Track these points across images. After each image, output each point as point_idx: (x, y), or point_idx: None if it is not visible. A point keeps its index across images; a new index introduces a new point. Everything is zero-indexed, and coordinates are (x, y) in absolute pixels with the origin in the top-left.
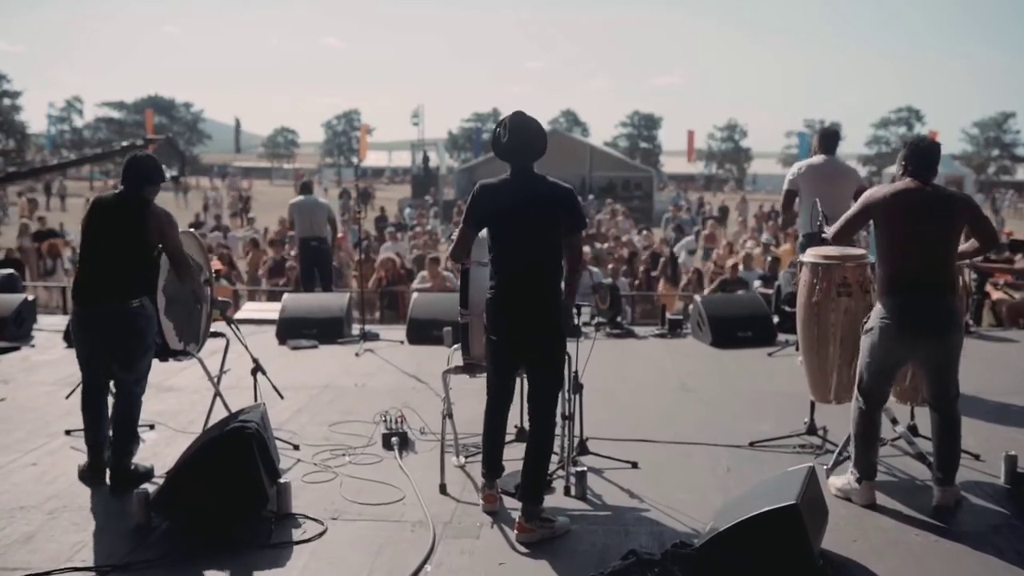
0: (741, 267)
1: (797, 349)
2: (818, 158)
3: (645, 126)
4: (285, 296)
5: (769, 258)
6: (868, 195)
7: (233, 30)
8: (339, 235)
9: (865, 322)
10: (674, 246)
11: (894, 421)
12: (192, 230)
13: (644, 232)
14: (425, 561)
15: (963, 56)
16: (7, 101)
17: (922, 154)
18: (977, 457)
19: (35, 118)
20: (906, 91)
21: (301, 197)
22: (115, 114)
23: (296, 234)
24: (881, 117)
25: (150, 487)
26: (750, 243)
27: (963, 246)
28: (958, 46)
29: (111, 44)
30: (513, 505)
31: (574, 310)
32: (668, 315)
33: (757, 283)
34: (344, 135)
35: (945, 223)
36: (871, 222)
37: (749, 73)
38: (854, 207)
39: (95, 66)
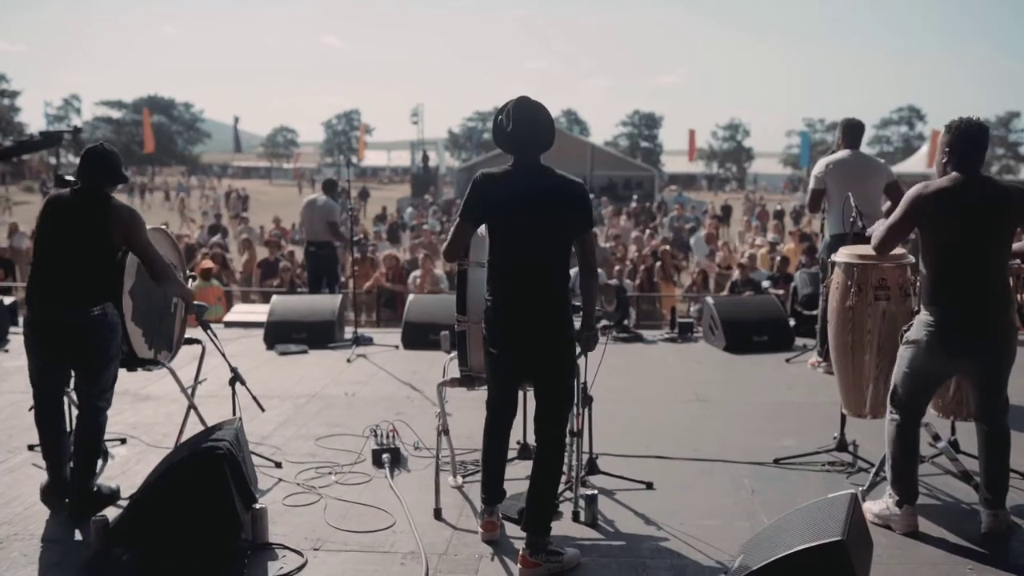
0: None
1: (823, 357)
2: (843, 153)
3: (646, 125)
4: (274, 298)
5: (777, 258)
6: (913, 194)
7: (231, 28)
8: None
9: (906, 330)
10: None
11: (936, 437)
12: (163, 227)
13: (648, 232)
14: None
15: (965, 55)
16: (6, 101)
17: (968, 138)
18: (1023, 476)
19: (35, 117)
20: (908, 90)
21: (313, 196)
22: (114, 113)
23: (303, 236)
24: (882, 117)
25: (112, 512)
26: (759, 240)
27: (1016, 244)
28: (960, 45)
29: (111, 43)
30: (515, 533)
31: (593, 320)
32: (678, 318)
33: (765, 283)
34: (344, 135)
35: (998, 222)
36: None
37: (751, 72)
38: (898, 210)
39: (95, 65)
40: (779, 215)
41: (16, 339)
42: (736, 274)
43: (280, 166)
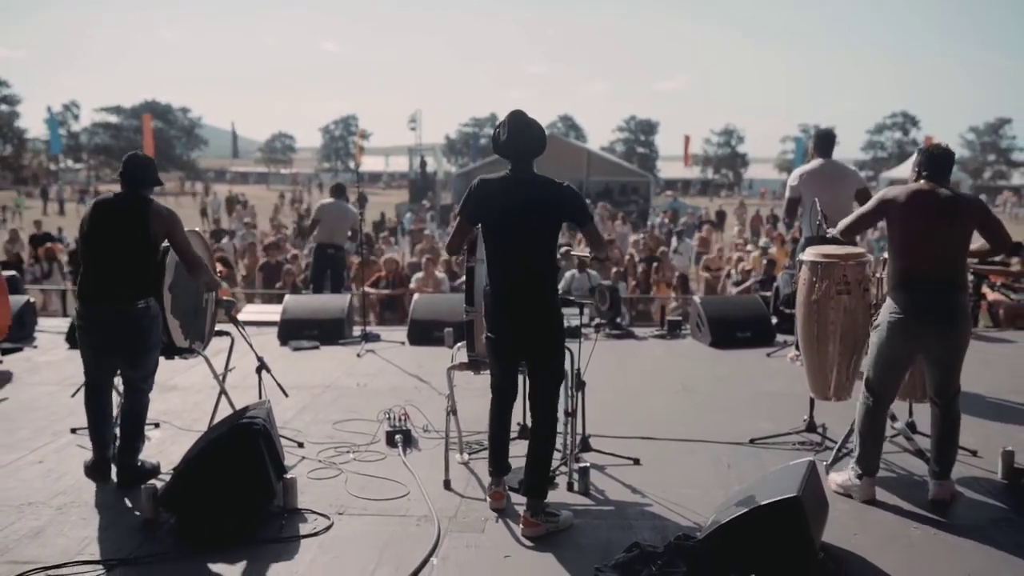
0: (749, 270)
1: (797, 348)
2: (816, 162)
3: (642, 131)
4: (286, 297)
5: (765, 261)
6: (883, 193)
7: (229, 34)
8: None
9: (874, 317)
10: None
11: (892, 417)
12: (196, 229)
13: (644, 236)
14: (431, 554)
15: (959, 61)
16: (5, 107)
17: (937, 160)
18: (975, 453)
19: (35, 123)
20: (903, 96)
21: (331, 199)
22: (112, 119)
23: (316, 237)
24: (876, 123)
25: (157, 483)
26: (749, 248)
27: (974, 246)
28: (954, 51)
29: (109, 48)
30: (517, 500)
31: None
32: (667, 316)
33: (754, 285)
34: (342, 140)
35: (955, 223)
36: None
37: (749, 79)
38: (869, 204)
39: (93, 70)
40: (773, 220)
41: (42, 336)
42: (739, 276)
43: (277, 171)
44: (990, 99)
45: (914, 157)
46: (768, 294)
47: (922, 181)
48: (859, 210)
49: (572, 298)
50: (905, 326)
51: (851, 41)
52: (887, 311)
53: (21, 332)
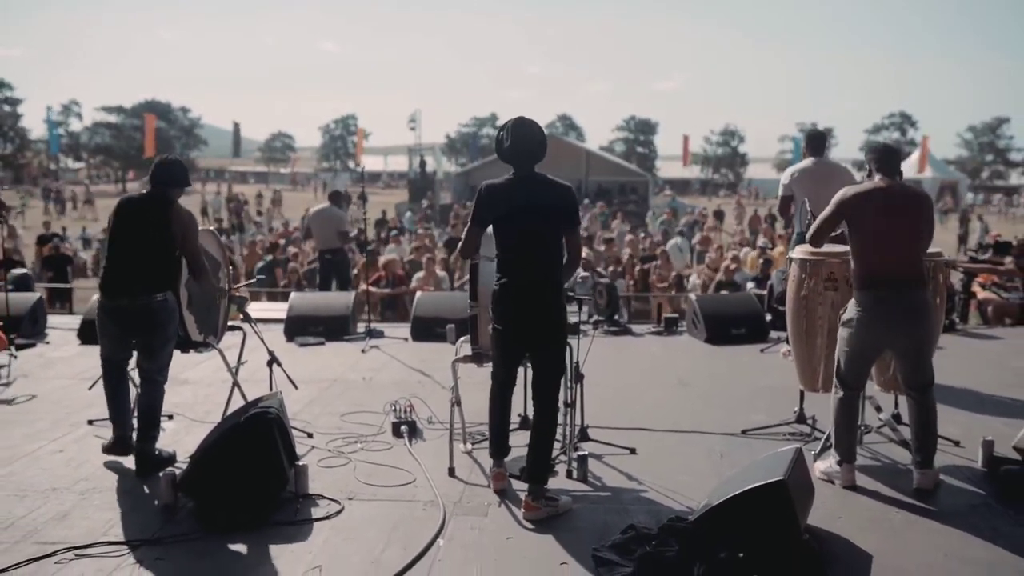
0: (733, 268)
1: (788, 343)
2: (808, 161)
3: (641, 131)
4: (292, 295)
5: (762, 260)
6: (840, 195)
7: (228, 35)
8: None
9: (842, 314)
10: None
11: (878, 409)
12: (211, 228)
13: (643, 235)
14: (437, 536)
15: (958, 61)
16: (7, 107)
17: (888, 156)
18: (957, 444)
19: (35, 122)
20: (902, 96)
21: (320, 206)
22: (112, 119)
23: (315, 245)
24: (874, 123)
25: (175, 470)
26: (744, 248)
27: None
28: (954, 51)
29: (108, 47)
30: (518, 486)
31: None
32: (664, 314)
33: (750, 285)
34: (341, 139)
35: (912, 218)
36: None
37: (748, 79)
38: (828, 207)
39: (92, 69)
40: (771, 219)
41: (53, 333)
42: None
43: (277, 171)
44: (988, 98)
45: (866, 155)
46: (762, 292)
47: (877, 178)
48: (821, 215)
49: (572, 294)
50: (871, 324)
51: (851, 41)
52: (853, 309)
53: (34, 328)
